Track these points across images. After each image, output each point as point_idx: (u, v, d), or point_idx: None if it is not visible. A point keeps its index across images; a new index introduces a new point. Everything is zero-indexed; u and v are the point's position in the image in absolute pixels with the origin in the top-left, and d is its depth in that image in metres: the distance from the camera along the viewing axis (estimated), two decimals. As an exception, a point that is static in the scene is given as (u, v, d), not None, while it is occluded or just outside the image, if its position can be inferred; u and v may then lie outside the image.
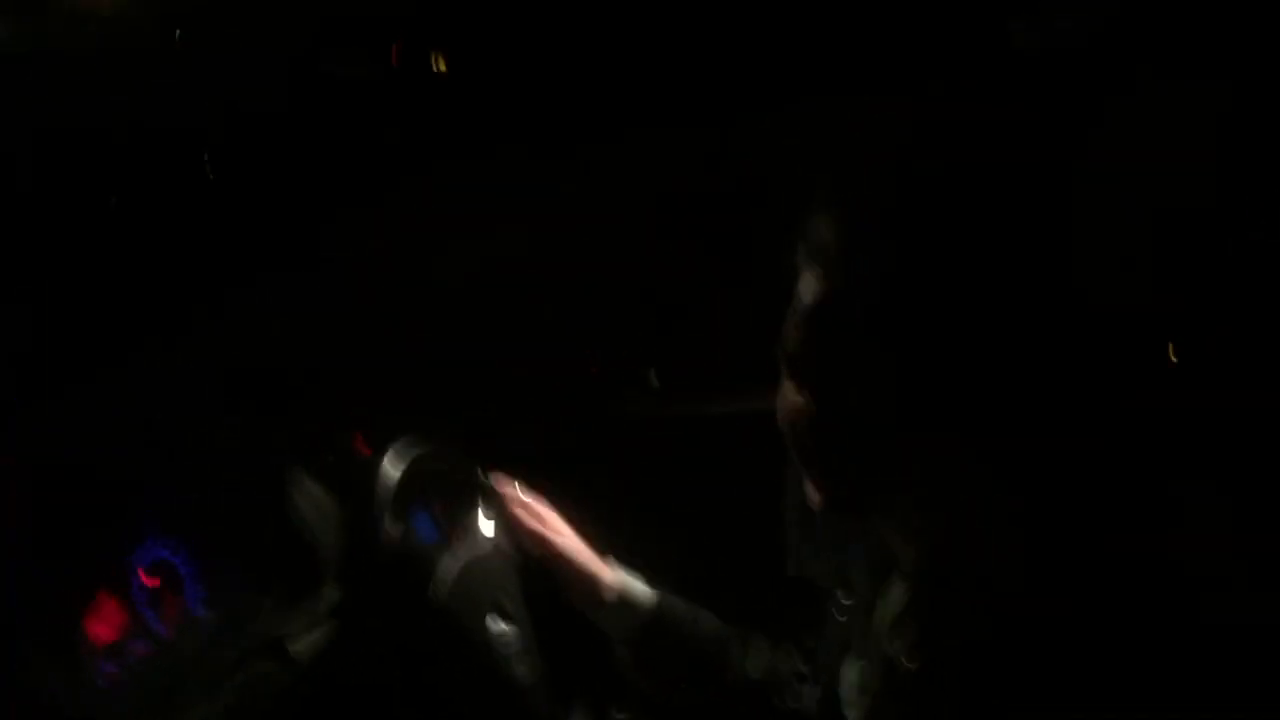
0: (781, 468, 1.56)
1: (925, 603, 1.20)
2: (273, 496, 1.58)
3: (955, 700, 1.12)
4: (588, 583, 1.59)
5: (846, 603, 1.37)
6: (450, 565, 1.51)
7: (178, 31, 1.86)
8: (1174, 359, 1.50)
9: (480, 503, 1.60)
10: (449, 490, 1.59)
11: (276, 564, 1.56)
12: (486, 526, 1.59)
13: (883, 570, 1.29)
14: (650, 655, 1.58)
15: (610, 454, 1.92)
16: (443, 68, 2.05)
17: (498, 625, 1.53)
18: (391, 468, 1.51)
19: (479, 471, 1.62)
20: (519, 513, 1.62)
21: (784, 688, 1.51)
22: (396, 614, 1.49)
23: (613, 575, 1.61)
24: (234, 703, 1.45)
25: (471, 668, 1.47)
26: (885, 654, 1.23)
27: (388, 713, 1.48)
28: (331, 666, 1.51)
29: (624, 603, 1.59)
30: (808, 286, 1.19)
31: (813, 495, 1.25)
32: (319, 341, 1.84)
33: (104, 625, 1.49)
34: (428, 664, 1.47)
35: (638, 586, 1.61)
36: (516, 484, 1.64)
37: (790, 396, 1.22)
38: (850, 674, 1.32)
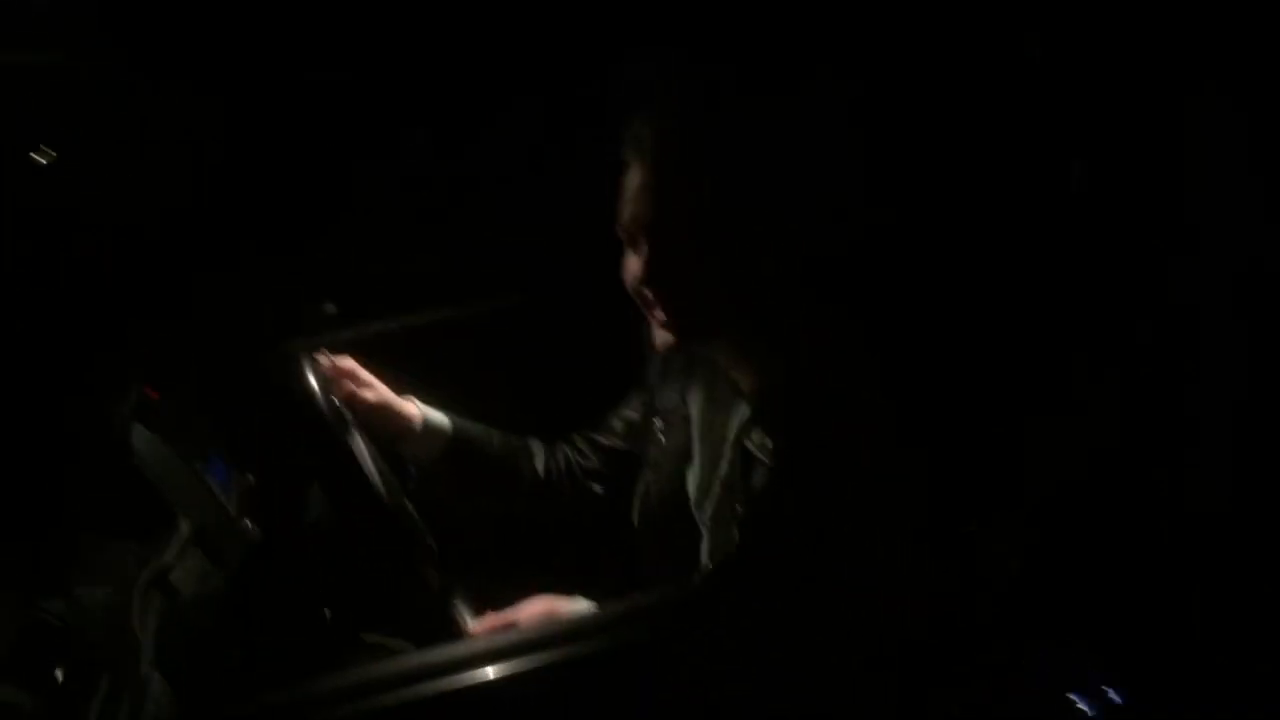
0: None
1: (774, 410, 1.59)
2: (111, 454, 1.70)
3: (801, 483, 1.51)
4: (396, 419, 1.82)
5: (677, 420, 1.76)
6: (362, 452, 1.71)
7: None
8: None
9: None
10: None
11: (130, 512, 1.70)
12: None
13: (722, 392, 1.69)
14: (454, 470, 1.85)
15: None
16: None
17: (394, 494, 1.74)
18: (308, 376, 1.68)
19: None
20: (334, 373, 1.80)
21: (573, 482, 1.90)
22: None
23: (416, 409, 1.85)
24: (152, 634, 1.60)
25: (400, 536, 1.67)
26: (736, 453, 1.62)
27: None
28: (212, 589, 1.74)
29: (427, 429, 1.84)
30: (634, 175, 1.62)
31: (660, 337, 1.64)
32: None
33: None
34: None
35: (437, 415, 1.86)
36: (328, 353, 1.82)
37: (633, 263, 1.65)
38: (692, 476, 1.73)
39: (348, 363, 1.83)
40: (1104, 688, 1.38)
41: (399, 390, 1.86)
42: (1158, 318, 1.65)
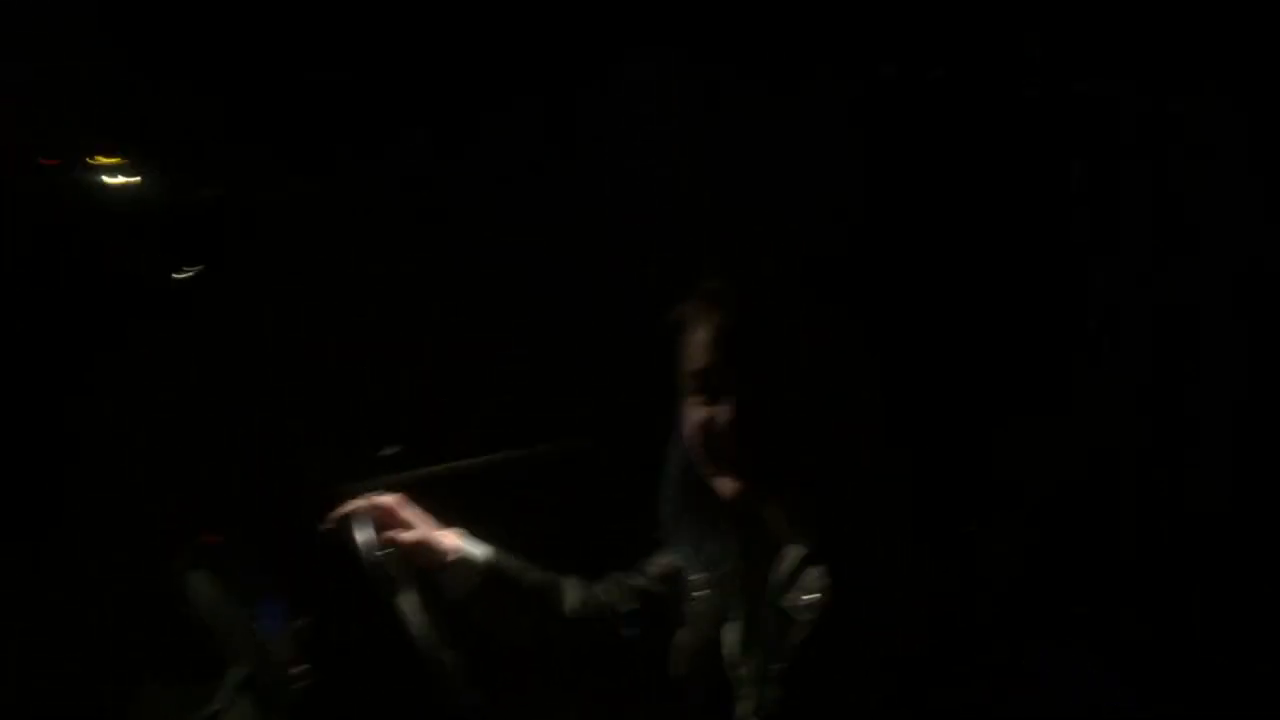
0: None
1: (817, 568, 1.58)
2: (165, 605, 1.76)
3: (846, 643, 1.50)
4: (434, 555, 1.88)
5: (716, 574, 1.76)
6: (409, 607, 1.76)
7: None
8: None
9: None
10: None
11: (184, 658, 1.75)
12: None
13: (763, 547, 1.69)
14: (490, 603, 1.88)
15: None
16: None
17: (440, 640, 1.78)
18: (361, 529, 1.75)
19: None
20: (374, 511, 1.86)
21: (608, 616, 1.89)
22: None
23: (452, 542, 1.90)
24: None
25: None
26: (775, 610, 1.61)
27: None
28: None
29: (462, 562, 1.88)
30: (709, 326, 1.62)
31: (725, 488, 1.63)
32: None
33: None
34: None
35: (475, 550, 1.90)
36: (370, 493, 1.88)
37: (700, 411, 1.64)
38: (729, 634, 1.71)
39: (388, 501, 1.89)
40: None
41: (443, 521, 1.92)
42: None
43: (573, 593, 1.95)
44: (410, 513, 1.91)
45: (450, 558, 1.89)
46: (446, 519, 1.93)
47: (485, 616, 1.90)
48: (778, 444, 1.62)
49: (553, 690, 1.97)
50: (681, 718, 1.82)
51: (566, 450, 2.20)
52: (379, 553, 1.78)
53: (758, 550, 1.73)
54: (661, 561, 1.95)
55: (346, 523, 1.78)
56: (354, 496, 1.83)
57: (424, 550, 1.88)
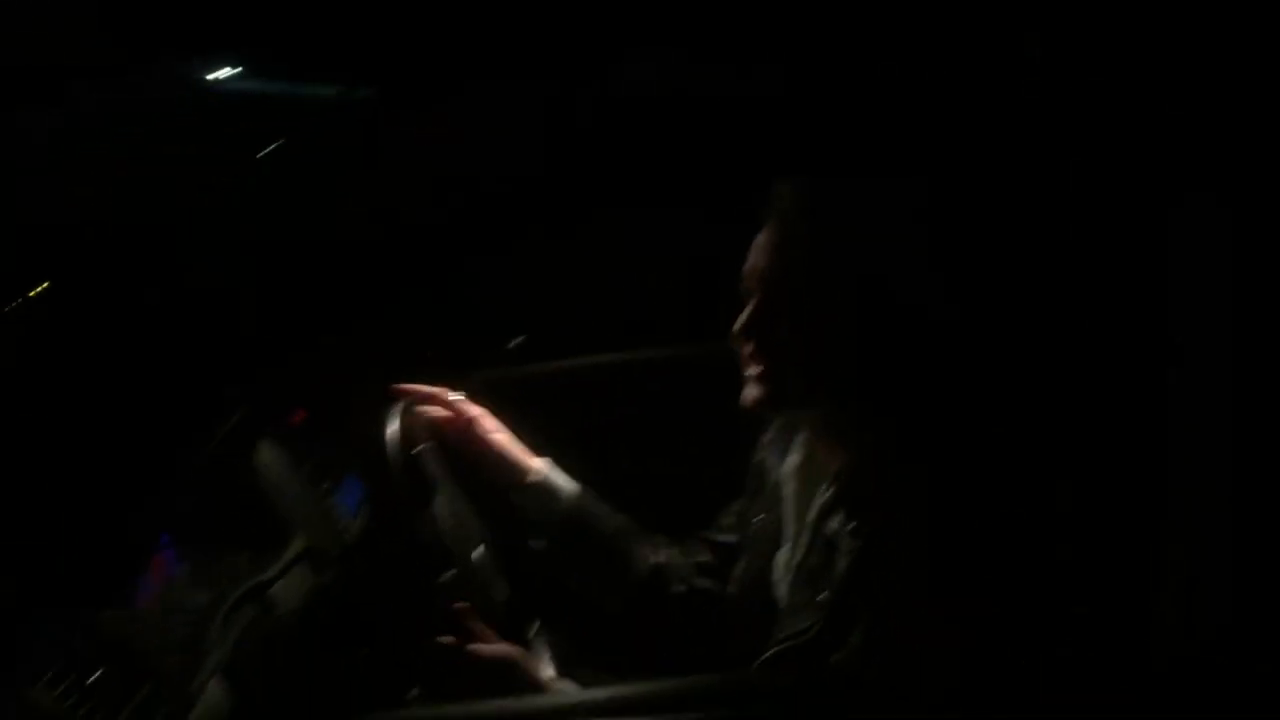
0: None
1: (854, 496, 1.54)
2: (238, 470, 1.79)
3: (881, 570, 1.46)
4: (514, 466, 1.84)
5: (774, 499, 1.73)
6: (443, 504, 1.75)
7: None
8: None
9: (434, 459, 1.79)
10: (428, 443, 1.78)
11: (248, 526, 1.77)
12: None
13: (813, 472, 1.66)
14: (564, 543, 1.84)
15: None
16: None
17: (479, 553, 1.79)
18: (391, 431, 1.69)
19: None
20: (452, 409, 1.84)
21: (683, 576, 1.85)
22: (392, 546, 1.72)
23: (539, 463, 1.86)
24: (234, 645, 1.66)
25: (459, 592, 1.68)
26: (819, 535, 1.57)
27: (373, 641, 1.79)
28: (315, 606, 1.78)
29: (545, 488, 1.83)
30: (767, 230, 1.60)
31: (749, 394, 1.60)
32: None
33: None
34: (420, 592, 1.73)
35: (561, 477, 1.86)
36: (451, 392, 1.86)
37: (743, 314, 1.61)
38: (781, 556, 1.70)
39: (473, 408, 1.86)
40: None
41: (537, 450, 1.88)
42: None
43: (659, 551, 1.89)
44: (492, 422, 1.87)
45: (530, 479, 1.84)
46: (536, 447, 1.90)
47: (554, 557, 1.85)
48: (803, 356, 1.57)
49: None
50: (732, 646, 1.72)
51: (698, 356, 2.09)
52: (414, 450, 1.72)
53: (809, 471, 1.69)
54: (734, 507, 1.90)
55: (381, 423, 1.72)
56: (397, 399, 1.78)
57: (501, 462, 1.84)
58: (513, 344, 2.27)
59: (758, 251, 1.62)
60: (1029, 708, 1.43)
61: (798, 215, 1.59)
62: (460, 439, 1.84)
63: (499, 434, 1.87)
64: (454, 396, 1.87)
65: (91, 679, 1.46)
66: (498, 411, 1.89)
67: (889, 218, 1.59)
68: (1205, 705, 1.31)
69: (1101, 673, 1.42)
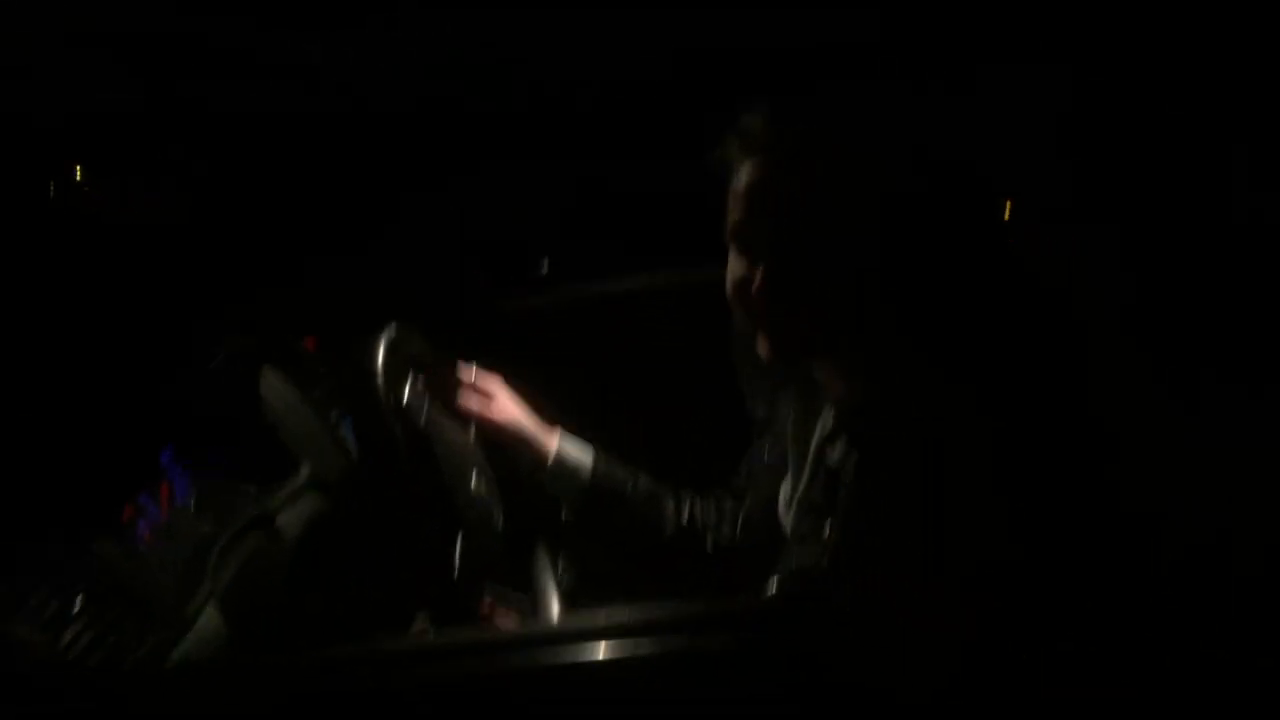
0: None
1: (854, 426, 1.51)
2: (244, 396, 1.77)
3: (882, 501, 1.41)
4: (531, 450, 1.83)
5: (775, 434, 1.68)
6: (437, 434, 1.72)
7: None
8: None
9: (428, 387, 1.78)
10: (422, 368, 1.78)
11: (255, 454, 1.76)
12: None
13: (812, 403, 1.61)
14: (591, 512, 1.84)
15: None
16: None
17: (478, 483, 1.76)
18: (379, 350, 1.68)
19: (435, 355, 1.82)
20: (466, 393, 1.83)
21: (713, 529, 1.82)
22: (386, 480, 1.71)
23: (556, 441, 1.84)
24: (235, 573, 1.66)
25: (455, 521, 1.66)
26: (821, 465, 1.55)
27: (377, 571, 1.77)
28: (320, 535, 1.77)
29: (565, 465, 1.82)
30: (746, 173, 1.48)
31: (761, 348, 1.52)
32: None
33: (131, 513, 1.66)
34: (416, 522, 1.71)
35: (578, 452, 1.84)
36: (468, 366, 1.85)
37: (736, 268, 1.52)
38: (784, 488, 1.66)
39: (491, 383, 1.84)
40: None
41: (548, 420, 1.86)
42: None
43: (685, 505, 1.86)
44: (507, 397, 1.85)
45: (548, 457, 1.83)
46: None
47: (582, 528, 1.85)
48: (812, 302, 1.48)
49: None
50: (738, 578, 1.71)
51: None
52: (405, 380, 1.70)
53: (811, 404, 1.64)
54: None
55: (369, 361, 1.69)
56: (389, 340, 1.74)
57: (518, 441, 1.83)
58: (539, 269, 2.21)
59: (742, 200, 1.50)
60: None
61: (783, 154, 1.47)
62: (477, 417, 1.83)
63: (514, 413, 1.84)
64: (468, 370, 1.85)
65: (75, 607, 1.46)
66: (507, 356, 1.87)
67: (880, 133, 1.49)
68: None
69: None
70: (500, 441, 1.83)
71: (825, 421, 1.58)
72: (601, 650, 1.36)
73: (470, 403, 1.83)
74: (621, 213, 2.44)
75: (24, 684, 1.35)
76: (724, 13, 2.25)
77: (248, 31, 2.25)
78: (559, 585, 1.76)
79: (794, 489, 1.63)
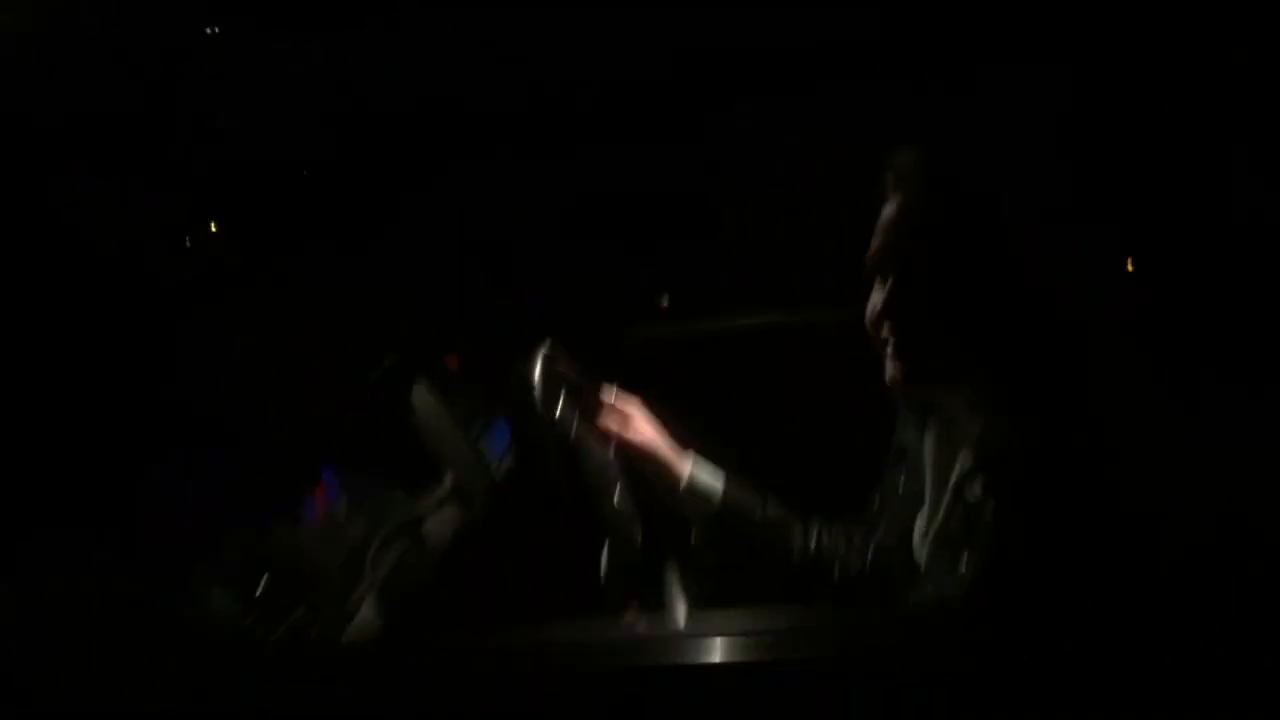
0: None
1: (996, 463, 1.52)
2: (396, 411, 1.92)
3: (1019, 533, 1.45)
4: (665, 473, 1.88)
5: (914, 464, 1.72)
6: (584, 448, 1.82)
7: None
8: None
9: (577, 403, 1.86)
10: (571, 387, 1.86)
11: (404, 464, 1.90)
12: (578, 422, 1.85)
13: (953, 436, 1.63)
14: (721, 536, 1.87)
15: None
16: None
17: (619, 495, 1.83)
18: (537, 364, 1.79)
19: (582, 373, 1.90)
20: (607, 414, 1.90)
21: (841, 559, 1.86)
22: (530, 493, 1.84)
23: (688, 466, 1.88)
24: (384, 574, 1.80)
25: (598, 535, 1.77)
26: (960, 500, 1.56)
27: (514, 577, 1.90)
28: (461, 538, 1.91)
29: (696, 490, 1.87)
30: (890, 204, 1.59)
31: (891, 375, 1.58)
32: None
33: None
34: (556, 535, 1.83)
35: (709, 477, 1.90)
36: (609, 390, 1.93)
37: (875, 296, 1.60)
38: (920, 523, 1.69)
39: (630, 405, 1.91)
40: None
41: (682, 444, 1.92)
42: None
43: (812, 533, 1.90)
44: (644, 422, 1.92)
45: (682, 485, 1.89)
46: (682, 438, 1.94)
47: (713, 550, 1.89)
48: (945, 325, 1.56)
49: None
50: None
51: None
52: (558, 397, 1.81)
53: (951, 438, 1.67)
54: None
55: (530, 378, 1.80)
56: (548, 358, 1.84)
57: (653, 466, 1.89)
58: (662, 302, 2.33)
59: (886, 229, 1.60)
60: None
61: (927, 185, 1.59)
62: (617, 437, 1.89)
63: (650, 435, 1.90)
64: (610, 393, 1.92)
65: (259, 591, 1.60)
66: (646, 379, 1.95)
67: (1019, 177, 1.60)
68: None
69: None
70: (637, 462, 1.89)
71: (965, 457, 1.61)
72: (722, 652, 1.40)
73: (611, 423, 1.90)
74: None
75: (216, 655, 1.49)
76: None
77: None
78: (687, 600, 1.86)
79: (930, 522, 1.67)
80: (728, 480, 1.91)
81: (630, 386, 1.95)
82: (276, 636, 1.57)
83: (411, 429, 1.93)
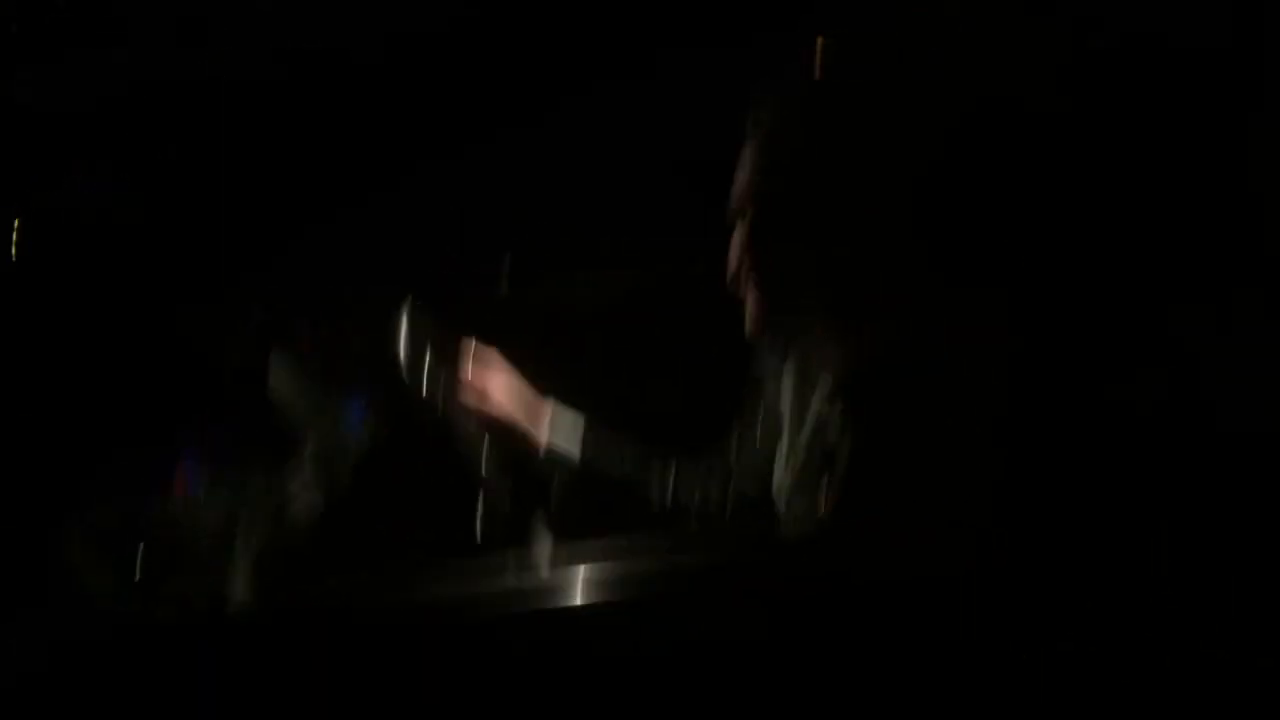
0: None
1: (855, 386, 1.51)
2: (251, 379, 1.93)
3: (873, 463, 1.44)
4: (524, 441, 1.86)
5: (769, 402, 1.72)
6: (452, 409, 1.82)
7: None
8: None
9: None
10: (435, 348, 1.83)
11: (264, 443, 1.92)
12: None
13: (813, 366, 1.61)
14: (582, 492, 1.86)
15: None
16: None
17: (488, 463, 1.84)
18: (400, 328, 1.77)
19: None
20: (466, 382, 1.85)
21: (705, 501, 1.83)
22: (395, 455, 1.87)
23: (545, 431, 1.84)
24: (253, 545, 1.82)
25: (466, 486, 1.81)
26: (816, 426, 1.55)
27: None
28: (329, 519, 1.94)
29: (554, 454, 1.84)
30: (752, 143, 1.59)
31: (753, 312, 1.57)
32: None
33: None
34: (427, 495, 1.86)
35: (565, 440, 1.86)
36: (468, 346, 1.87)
37: (736, 234, 1.60)
38: (781, 451, 1.66)
39: (488, 363, 1.88)
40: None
41: (540, 391, 1.92)
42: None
43: (671, 480, 1.88)
44: (500, 381, 1.88)
45: (541, 444, 1.87)
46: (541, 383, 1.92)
47: (576, 505, 1.88)
48: (803, 273, 1.59)
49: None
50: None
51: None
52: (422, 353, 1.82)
53: (810, 365, 1.68)
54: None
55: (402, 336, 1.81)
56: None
57: (511, 435, 1.87)
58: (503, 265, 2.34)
59: (749, 170, 1.60)
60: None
61: (791, 126, 1.60)
62: (475, 412, 1.86)
63: (506, 404, 1.88)
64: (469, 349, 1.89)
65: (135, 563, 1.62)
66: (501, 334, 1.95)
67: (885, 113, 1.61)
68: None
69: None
70: (495, 430, 1.87)
71: (824, 383, 1.60)
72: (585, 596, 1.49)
73: (469, 395, 1.87)
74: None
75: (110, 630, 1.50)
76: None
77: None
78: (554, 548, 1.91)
79: (791, 451, 1.66)
80: (584, 439, 1.90)
81: (488, 342, 1.93)
82: (155, 607, 1.59)
83: (270, 401, 1.94)
